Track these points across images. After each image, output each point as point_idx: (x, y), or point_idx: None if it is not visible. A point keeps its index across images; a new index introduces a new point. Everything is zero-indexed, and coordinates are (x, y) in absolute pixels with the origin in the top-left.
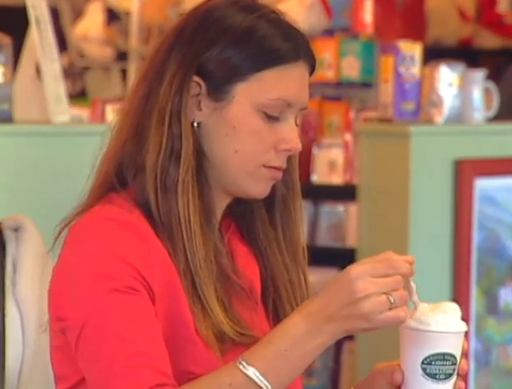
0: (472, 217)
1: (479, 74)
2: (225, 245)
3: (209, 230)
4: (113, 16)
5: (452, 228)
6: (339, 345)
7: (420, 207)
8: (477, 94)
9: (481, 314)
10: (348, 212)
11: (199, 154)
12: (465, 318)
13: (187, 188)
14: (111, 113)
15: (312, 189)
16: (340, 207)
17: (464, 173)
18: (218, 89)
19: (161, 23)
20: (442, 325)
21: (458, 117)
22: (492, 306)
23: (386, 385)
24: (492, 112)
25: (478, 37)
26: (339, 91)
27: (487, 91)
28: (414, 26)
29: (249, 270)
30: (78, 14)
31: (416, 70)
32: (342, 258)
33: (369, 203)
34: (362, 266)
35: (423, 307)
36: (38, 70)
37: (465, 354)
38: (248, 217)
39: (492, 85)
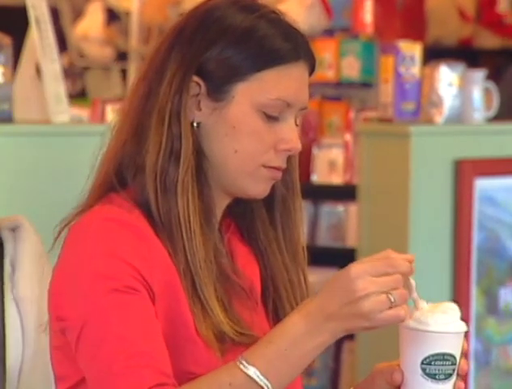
0: (472, 217)
1: (479, 74)
2: (225, 245)
3: (209, 230)
4: (113, 16)
5: (452, 228)
6: (339, 345)
7: (420, 207)
8: (477, 94)
9: (481, 314)
10: (348, 212)
11: (199, 154)
12: (465, 318)
13: (187, 188)
14: (111, 113)
15: (312, 189)
16: (340, 207)
17: (464, 173)
18: (218, 89)
19: (161, 23)
20: (442, 325)
21: (458, 117)
22: (492, 306)
23: (385, 385)
24: (492, 112)
25: (478, 37)
26: (339, 91)
27: (487, 91)
28: (414, 26)
29: (249, 270)
30: (78, 14)
31: (416, 70)
32: (342, 258)
33: (369, 203)
34: (362, 265)
35: (423, 304)
36: (38, 70)
37: (465, 354)
38: (248, 217)
39: (492, 85)
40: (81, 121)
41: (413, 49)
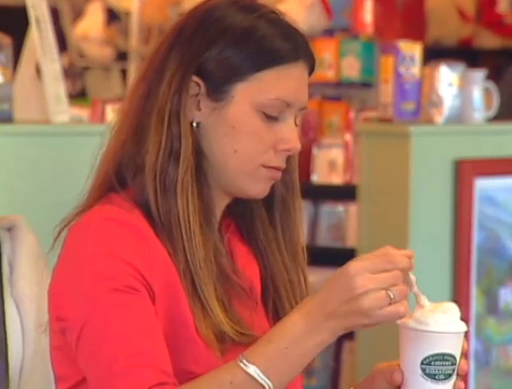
0: (472, 217)
1: (479, 74)
2: (225, 245)
3: (209, 230)
4: (113, 16)
5: (452, 228)
6: (339, 345)
7: (420, 207)
8: (477, 94)
9: (481, 314)
10: (348, 212)
11: (198, 154)
12: (465, 318)
13: (186, 188)
14: (111, 113)
15: (312, 189)
16: (340, 207)
17: (464, 173)
18: (217, 89)
19: (161, 23)
20: (442, 325)
21: (458, 117)
22: (492, 306)
23: (385, 385)
24: (492, 112)
25: (478, 37)
26: (339, 91)
27: (487, 91)
28: (414, 26)
29: (248, 270)
30: (78, 14)
31: (416, 70)
32: (342, 258)
33: (369, 203)
34: (360, 262)
35: (424, 299)
36: (38, 70)
37: (465, 354)
38: (247, 217)
39: (492, 85)
40: (81, 121)
41: (413, 49)
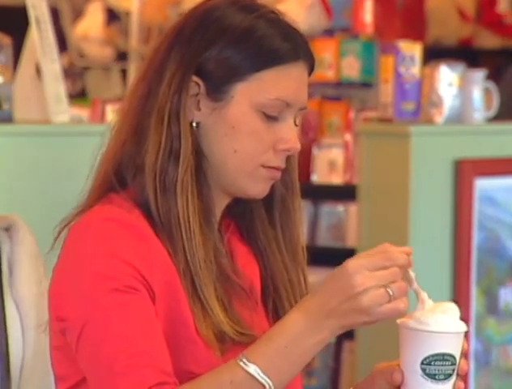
0: (472, 217)
1: (479, 74)
2: (225, 245)
3: (208, 230)
4: (113, 16)
5: (452, 228)
6: (339, 345)
7: (420, 207)
8: (477, 94)
9: (481, 314)
10: (348, 212)
11: (198, 154)
12: (465, 318)
13: (186, 188)
14: (111, 113)
15: (312, 189)
16: (340, 207)
17: (464, 173)
18: (217, 89)
19: (161, 23)
20: (442, 325)
21: (458, 117)
22: (492, 306)
23: (385, 385)
24: (492, 112)
25: (478, 37)
26: (339, 91)
27: (487, 91)
28: (414, 26)
29: (248, 270)
30: (78, 14)
31: (416, 70)
32: (342, 258)
33: (369, 203)
34: (359, 260)
35: (424, 295)
36: (38, 70)
37: (465, 354)
38: (247, 217)
39: (492, 85)
40: (81, 121)
41: (413, 49)
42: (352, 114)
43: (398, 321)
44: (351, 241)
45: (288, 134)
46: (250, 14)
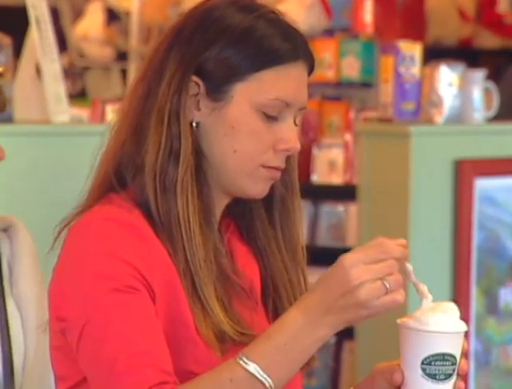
0: (472, 217)
1: (479, 74)
2: (225, 245)
3: (208, 230)
4: (113, 16)
5: (452, 228)
6: (339, 345)
7: (420, 207)
8: (477, 94)
9: (481, 314)
10: (348, 212)
11: (198, 154)
12: (465, 318)
13: (186, 188)
14: (111, 113)
15: (312, 189)
16: (340, 207)
17: (464, 173)
18: (217, 89)
19: (161, 23)
20: (442, 325)
21: (458, 117)
22: (492, 306)
23: (386, 385)
24: (492, 112)
25: (478, 37)
26: (339, 91)
27: (487, 91)
28: (414, 26)
29: (248, 269)
30: (78, 14)
31: (416, 70)
32: None
33: (369, 203)
34: (354, 254)
35: (424, 287)
36: (38, 70)
37: (465, 354)
38: (247, 217)
39: (492, 85)
40: (81, 121)
41: (413, 49)
42: (351, 114)
43: (399, 321)
44: (351, 241)
45: (288, 134)
46: (250, 14)
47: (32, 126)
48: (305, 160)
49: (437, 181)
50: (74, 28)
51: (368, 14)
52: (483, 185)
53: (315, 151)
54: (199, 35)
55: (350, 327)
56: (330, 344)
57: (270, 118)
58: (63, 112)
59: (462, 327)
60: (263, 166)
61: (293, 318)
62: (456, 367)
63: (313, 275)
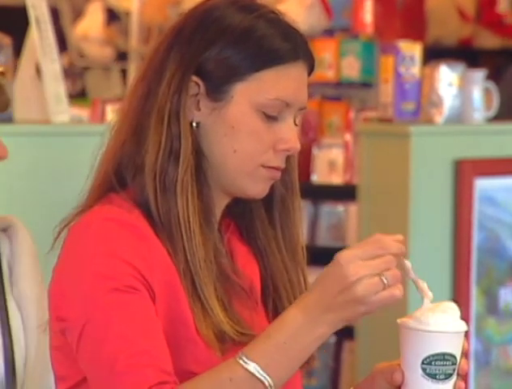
0: (472, 217)
1: (479, 74)
2: (225, 245)
3: (208, 230)
4: (113, 16)
5: (452, 228)
6: (339, 345)
7: (420, 207)
8: (477, 94)
9: (481, 314)
10: (348, 212)
11: (198, 154)
12: (465, 318)
13: (186, 188)
14: (111, 113)
15: (312, 189)
16: (340, 207)
17: (464, 173)
18: (217, 89)
19: (161, 23)
20: (442, 325)
21: (458, 117)
22: (492, 306)
23: (386, 385)
24: (492, 112)
25: (478, 37)
26: (339, 91)
27: (487, 91)
28: (414, 26)
29: (248, 269)
30: (78, 14)
31: (416, 70)
32: None
33: (369, 203)
34: (351, 250)
35: (423, 284)
36: (38, 70)
37: (465, 354)
38: (247, 217)
39: (492, 85)
40: (81, 121)
41: (413, 49)
42: (352, 114)
43: (399, 321)
44: (351, 241)
45: (288, 134)
46: (250, 14)
47: (31, 126)
48: (305, 160)
49: (437, 181)
50: (74, 28)
51: (368, 14)
52: (483, 185)
53: (315, 151)
54: (199, 35)
55: (350, 326)
56: (330, 344)
57: (270, 118)
58: (63, 112)
59: (463, 326)
60: (263, 166)
61: (293, 316)
62: (456, 367)
63: (313, 275)
